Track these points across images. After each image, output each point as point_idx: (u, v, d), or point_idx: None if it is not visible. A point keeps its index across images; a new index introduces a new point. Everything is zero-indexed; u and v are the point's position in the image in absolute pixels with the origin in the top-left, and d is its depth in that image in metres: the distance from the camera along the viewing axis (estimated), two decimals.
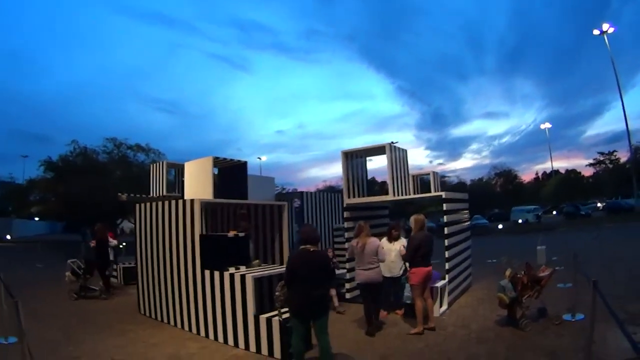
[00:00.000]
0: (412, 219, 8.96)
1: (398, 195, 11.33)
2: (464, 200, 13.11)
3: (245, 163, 11.69)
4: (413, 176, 13.88)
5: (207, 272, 8.84)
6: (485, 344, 7.69)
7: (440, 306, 10.03)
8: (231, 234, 9.64)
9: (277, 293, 7.05)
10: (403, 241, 9.77)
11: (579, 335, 7.45)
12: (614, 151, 66.42)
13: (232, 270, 8.66)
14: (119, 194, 15.77)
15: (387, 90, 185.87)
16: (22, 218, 61.36)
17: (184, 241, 9.44)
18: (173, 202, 9.88)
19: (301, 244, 6.51)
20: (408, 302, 9.45)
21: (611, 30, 44.85)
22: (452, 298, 10.76)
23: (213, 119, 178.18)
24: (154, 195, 15.18)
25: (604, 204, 54.47)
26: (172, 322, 9.94)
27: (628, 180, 47.93)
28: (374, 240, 8.92)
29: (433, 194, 12.07)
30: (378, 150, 11.82)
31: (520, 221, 47.90)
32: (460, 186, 58.04)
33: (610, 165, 66.29)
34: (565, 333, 7.86)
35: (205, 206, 11.95)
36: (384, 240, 10.13)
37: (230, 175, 11.77)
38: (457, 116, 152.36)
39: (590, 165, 71.41)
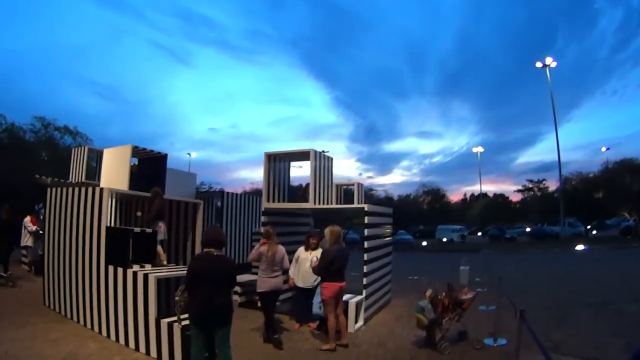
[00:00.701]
0: (327, 230, 8.55)
1: (319, 203, 11.08)
2: (388, 215, 12.76)
3: (165, 156, 11.41)
4: (337, 185, 13.62)
5: (111, 268, 8.33)
6: None
7: (356, 322, 9.69)
8: (138, 213, 9.26)
9: (176, 297, 6.46)
10: (320, 252, 9.21)
11: None
12: (543, 180, 67.93)
13: (136, 268, 8.19)
14: (37, 176, 15.11)
15: (324, 99, 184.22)
16: None
17: (91, 232, 8.87)
18: (83, 189, 9.35)
19: (205, 247, 6.08)
20: (324, 315, 9.02)
21: (554, 64, 45.69)
22: (369, 314, 10.38)
23: (149, 110, 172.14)
24: (73, 181, 14.57)
25: (530, 229, 55.41)
26: (75, 318, 9.37)
27: (555, 208, 49.00)
28: (281, 247, 8.80)
29: (355, 205, 11.71)
30: (302, 155, 11.53)
31: (445, 240, 48.53)
32: (387, 201, 58.41)
33: (539, 193, 67.75)
34: (485, 358, 7.64)
35: (121, 197, 11.67)
36: (301, 249, 9.92)
37: (150, 167, 11.50)
38: (391, 132, 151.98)
39: (519, 191, 72.88)
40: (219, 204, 15.57)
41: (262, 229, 10.76)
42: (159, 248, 9.36)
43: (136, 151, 11.03)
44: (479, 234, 60.53)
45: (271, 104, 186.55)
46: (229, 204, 15.47)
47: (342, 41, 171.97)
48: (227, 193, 15.86)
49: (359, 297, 9.97)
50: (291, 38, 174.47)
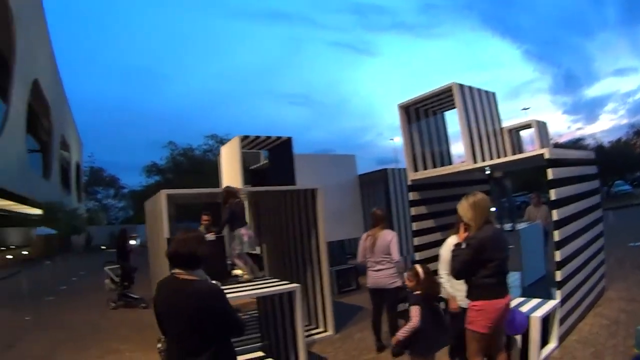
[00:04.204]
0: (464, 204, 4.69)
1: (482, 159, 7.62)
2: (588, 162, 8.42)
3: (288, 140, 10.10)
4: (509, 130, 9.43)
5: None
6: None
7: (543, 346, 5.85)
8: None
9: (158, 345, 3.96)
10: None
11: None
12: None
13: None
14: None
15: (515, 55, 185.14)
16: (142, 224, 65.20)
17: (157, 246, 7.70)
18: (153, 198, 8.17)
19: (170, 265, 3.41)
20: None
21: None
22: (567, 327, 6.51)
23: (346, 107, 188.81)
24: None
25: None
26: None
27: None
28: (386, 233, 6.99)
29: (532, 153, 7.25)
30: (446, 95, 7.90)
31: None
32: (598, 150, 52.20)
33: None
34: None
35: (252, 196, 10.07)
36: (452, 238, 5.71)
37: (279, 156, 10.38)
38: (589, 75, 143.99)
39: None
40: None
41: (412, 212, 8.45)
42: (238, 261, 7.12)
43: (247, 141, 9.91)
44: None
45: (465, 72, 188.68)
46: (397, 183, 13.02)
47: None
48: (394, 170, 13.16)
49: (550, 305, 6.13)
50: (464, 2, 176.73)
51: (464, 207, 4.70)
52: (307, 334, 8.01)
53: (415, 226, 8.27)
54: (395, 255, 6.81)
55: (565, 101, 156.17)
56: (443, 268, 5.64)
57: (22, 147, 34.51)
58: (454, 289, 5.48)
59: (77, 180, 62.02)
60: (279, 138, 9.87)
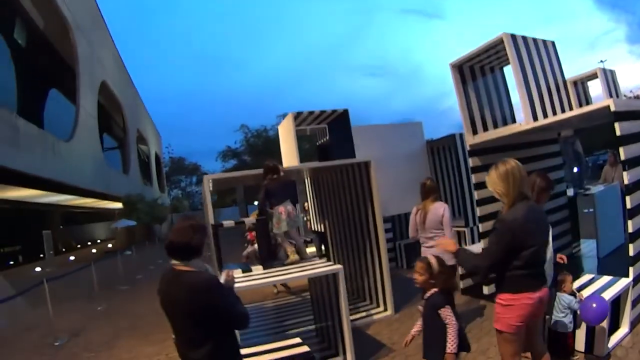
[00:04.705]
0: (492, 175, 3.80)
1: (542, 117, 6.85)
2: None
3: (345, 112, 9.75)
4: (574, 83, 8.62)
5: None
6: None
7: (611, 332, 5.18)
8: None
9: (174, 336, 3.53)
10: None
11: None
12: None
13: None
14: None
15: (587, 5, 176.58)
16: (225, 207, 67.20)
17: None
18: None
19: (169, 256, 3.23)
20: (561, 330, 4.90)
21: None
22: None
23: (423, 74, 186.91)
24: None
25: None
26: None
27: None
28: (438, 206, 6.43)
29: (593, 106, 6.10)
30: (498, 47, 7.13)
31: None
32: None
33: None
34: None
35: (311, 174, 9.94)
36: None
37: (338, 129, 10.18)
38: None
39: None
40: None
41: (473, 179, 8.12)
42: (282, 241, 6.66)
43: (301, 118, 9.74)
44: None
45: (537, 28, 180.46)
46: (466, 148, 11.80)
47: None
48: (462, 135, 11.98)
49: (621, 284, 5.37)
50: None
51: (492, 179, 3.80)
52: (365, 314, 7.93)
53: (477, 195, 7.79)
54: (448, 231, 6.30)
55: None
56: None
57: (96, 146, 35.68)
58: None
59: (157, 171, 63.91)
60: (334, 111, 9.48)
